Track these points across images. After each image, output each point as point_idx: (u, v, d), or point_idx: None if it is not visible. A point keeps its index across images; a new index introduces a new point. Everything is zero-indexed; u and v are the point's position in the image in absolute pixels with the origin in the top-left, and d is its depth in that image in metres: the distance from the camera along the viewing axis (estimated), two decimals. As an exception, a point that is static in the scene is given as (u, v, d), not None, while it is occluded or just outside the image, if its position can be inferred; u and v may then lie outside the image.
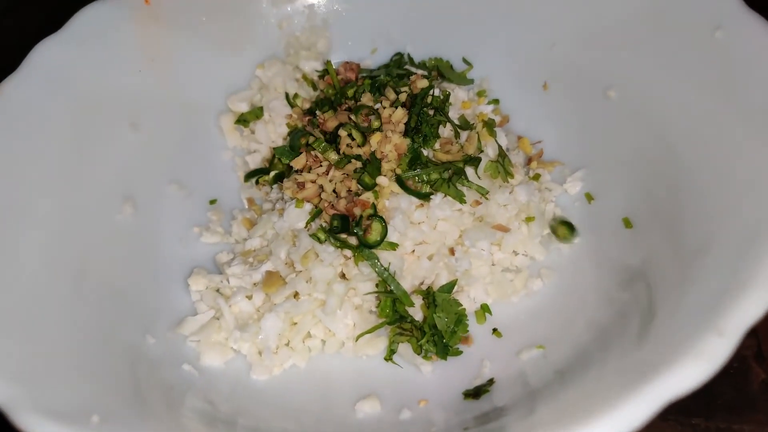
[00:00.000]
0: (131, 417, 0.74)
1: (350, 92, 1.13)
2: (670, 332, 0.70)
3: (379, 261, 0.96)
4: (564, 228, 1.06)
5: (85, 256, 0.92)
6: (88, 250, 0.93)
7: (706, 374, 0.61)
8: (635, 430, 0.60)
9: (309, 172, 1.05)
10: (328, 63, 1.22)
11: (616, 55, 1.05)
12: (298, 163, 1.07)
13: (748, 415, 0.94)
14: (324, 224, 1.01)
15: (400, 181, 1.00)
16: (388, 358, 0.97)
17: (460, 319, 0.96)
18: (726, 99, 0.87)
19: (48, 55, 0.99)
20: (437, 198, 1.00)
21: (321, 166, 1.05)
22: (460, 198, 1.00)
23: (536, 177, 1.11)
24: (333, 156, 1.04)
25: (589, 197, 1.08)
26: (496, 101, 1.19)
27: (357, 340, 0.98)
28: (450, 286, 0.99)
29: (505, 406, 0.86)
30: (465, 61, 1.23)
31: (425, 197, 1.00)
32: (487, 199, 1.03)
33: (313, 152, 1.06)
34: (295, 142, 1.10)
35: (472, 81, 1.21)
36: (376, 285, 0.98)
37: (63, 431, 0.64)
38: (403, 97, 1.08)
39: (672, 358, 0.62)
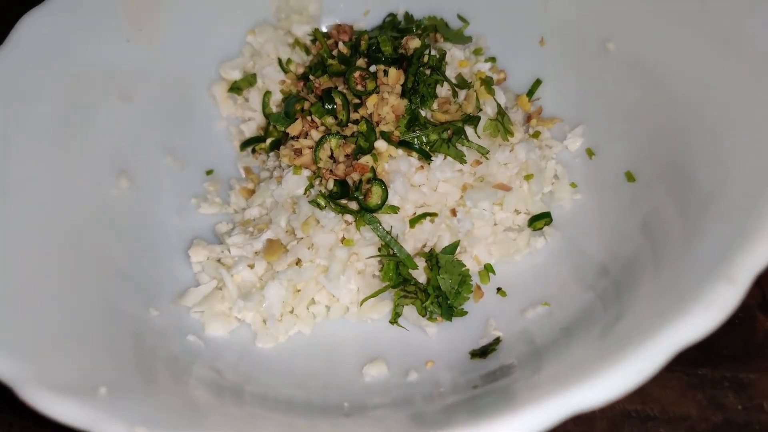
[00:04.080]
0: (138, 388, 0.74)
1: (363, 46, 1.11)
2: (680, 281, 0.70)
3: (380, 225, 0.96)
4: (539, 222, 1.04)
5: (82, 231, 0.91)
6: (84, 225, 0.92)
7: (717, 321, 0.61)
8: (647, 379, 0.60)
9: (305, 138, 1.04)
10: (316, 31, 1.19)
11: (613, 6, 1.03)
12: (294, 129, 1.05)
13: (754, 364, 0.95)
14: (323, 190, 1.00)
15: (405, 142, 0.99)
16: (393, 321, 0.97)
17: (464, 279, 0.96)
18: (727, 45, 0.86)
19: (34, 27, 0.97)
20: (437, 159, 0.99)
21: (318, 131, 1.03)
22: (461, 158, 0.99)
23: (536, 134, 1.10)
24: (330, 121, 1.02)
25: (590, 153, 1.07)
26: (492, 59, 1.17)
27: (361, 304, 0.97)
28: (453, 248, 0.98)
29: (512, 363, 0.86)
30: (460, 18, 1.20)
31: (429, 155, 0.99)
32: (487, 158, 1.01)
33: (309, 118, 1.05)
34: (290, 108, 1.09)
35: (470, 39, 1.19)
36: (379, 249, 0.97)
37: (71, 404, 0.64)
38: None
39: (683, 306, 0.62)
